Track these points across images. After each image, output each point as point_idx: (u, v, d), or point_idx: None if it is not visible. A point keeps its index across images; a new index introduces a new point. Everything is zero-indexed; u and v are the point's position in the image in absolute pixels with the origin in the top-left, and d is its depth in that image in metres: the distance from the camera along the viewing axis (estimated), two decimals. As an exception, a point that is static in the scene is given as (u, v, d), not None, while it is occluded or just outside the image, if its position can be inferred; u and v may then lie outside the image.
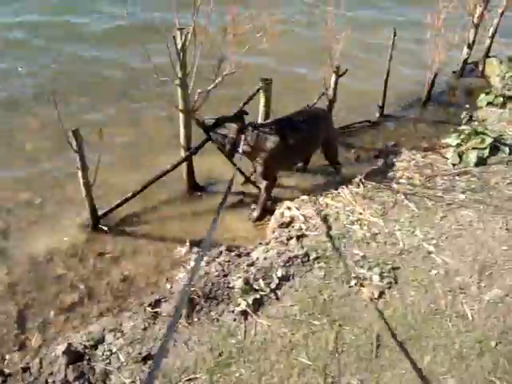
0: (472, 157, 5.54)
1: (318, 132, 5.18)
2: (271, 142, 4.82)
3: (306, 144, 5.21)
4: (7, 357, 3.71)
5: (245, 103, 5.46)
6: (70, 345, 3.46)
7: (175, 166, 5.12)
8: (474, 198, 4.96)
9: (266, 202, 5.14)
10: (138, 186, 5.00)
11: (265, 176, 5.02)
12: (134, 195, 4.99)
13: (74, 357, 3.40)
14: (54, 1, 9.65)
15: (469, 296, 3.91)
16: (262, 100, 5.33)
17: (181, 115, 4.91)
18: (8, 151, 5.91)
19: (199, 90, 4.81)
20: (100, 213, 4.86)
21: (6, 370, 3.48)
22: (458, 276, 4.08)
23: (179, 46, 4.41)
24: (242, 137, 4.78)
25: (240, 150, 4.77)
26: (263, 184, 5.08)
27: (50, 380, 3.31)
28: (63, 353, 3.39)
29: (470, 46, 8.01)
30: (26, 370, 3.41)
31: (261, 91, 5.26)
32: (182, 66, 4.55)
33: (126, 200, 4.97)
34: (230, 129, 4.84)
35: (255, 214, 5.15)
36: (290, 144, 4.89)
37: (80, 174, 4.48)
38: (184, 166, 5.25)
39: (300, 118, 5.09)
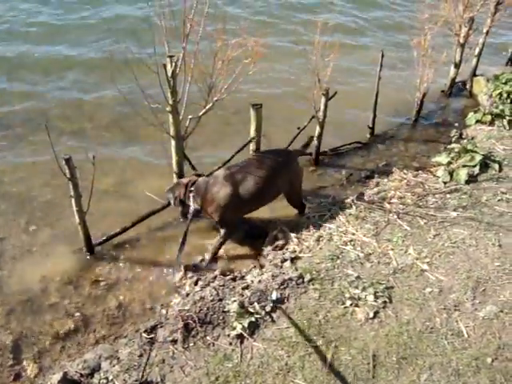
0: (462, 174, 5.58)
1: (277, 177, 4.82)
2: (222, 193, 4.64)
3: (264, 191, 4.77)
4: (3, 388, 3.69)
5: (237, 151, 5.52)
6: (65, 373, 3.46)
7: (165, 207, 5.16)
8: (466, 215, 5.00)
9: (219, 248, 4.87)
10: (130, 213, 5.06)
11: (224, 225, 4.82)
12: (123, 230, 5.00)
13: (70, 386, 3.40)
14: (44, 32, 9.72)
15: (463, 313, 3.93)
16: (253, 125, 5.37)
17: (172, 141, 4.95)
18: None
19: (190, 116, 4.85)
20: (94, 242, 4.86)
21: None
22: (452, 293, 4.10)
23: (169, 73, 4.47)
24: (191, 195, 4.67)
25: (191, 209, 4.62)
26: (222, 231, 4.83)
27: (45, 410, 3.30)
28: (59, 382, 3.39)
29: (457, 66, 8.13)
30: (21, 400, 3.40)
31: (252, 113, 5.29)
32: (172, 93, 4.60)
33: (116, 235, 4.99)
34: (176, 188, 4.79)
35: (207, 257, 4.83)
36: (243, 193, 4.67)
37: (73, 201, 4.49)
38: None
39: (257, 163, 4.83)
